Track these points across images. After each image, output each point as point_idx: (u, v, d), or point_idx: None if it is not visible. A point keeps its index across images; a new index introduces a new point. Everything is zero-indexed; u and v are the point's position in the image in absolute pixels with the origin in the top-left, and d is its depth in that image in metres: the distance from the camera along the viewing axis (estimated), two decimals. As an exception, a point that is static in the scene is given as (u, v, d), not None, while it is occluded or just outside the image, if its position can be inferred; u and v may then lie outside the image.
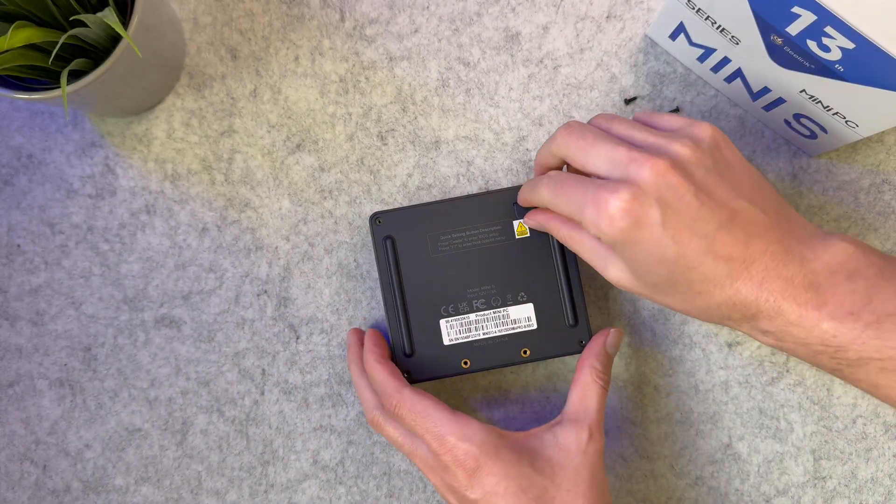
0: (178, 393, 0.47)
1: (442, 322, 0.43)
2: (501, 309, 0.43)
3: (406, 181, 0.47)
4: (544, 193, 0.38)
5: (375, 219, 0.43)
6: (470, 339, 0.43)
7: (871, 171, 0.47)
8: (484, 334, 0.43)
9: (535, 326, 0.43)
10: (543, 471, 0.38)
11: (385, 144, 0.48)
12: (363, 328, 0.47)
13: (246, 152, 0.48)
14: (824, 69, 0.38)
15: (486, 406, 0.47)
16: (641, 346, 0.47)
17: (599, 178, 0.35)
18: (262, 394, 0.47)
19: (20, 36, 0.35)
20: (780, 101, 0.43)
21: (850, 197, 0.47)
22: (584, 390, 0.40)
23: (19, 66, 0.39)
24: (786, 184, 0.47)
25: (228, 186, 0.47)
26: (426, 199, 0.47)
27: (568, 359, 0.47)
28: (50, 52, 0.38)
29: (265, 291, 0.47)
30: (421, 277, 0.43)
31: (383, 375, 0.41)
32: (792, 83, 0.41)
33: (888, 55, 0.34)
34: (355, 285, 0.47)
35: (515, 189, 0.43)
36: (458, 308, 0.43)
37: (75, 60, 0.38)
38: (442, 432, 0.38)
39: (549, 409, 0.47)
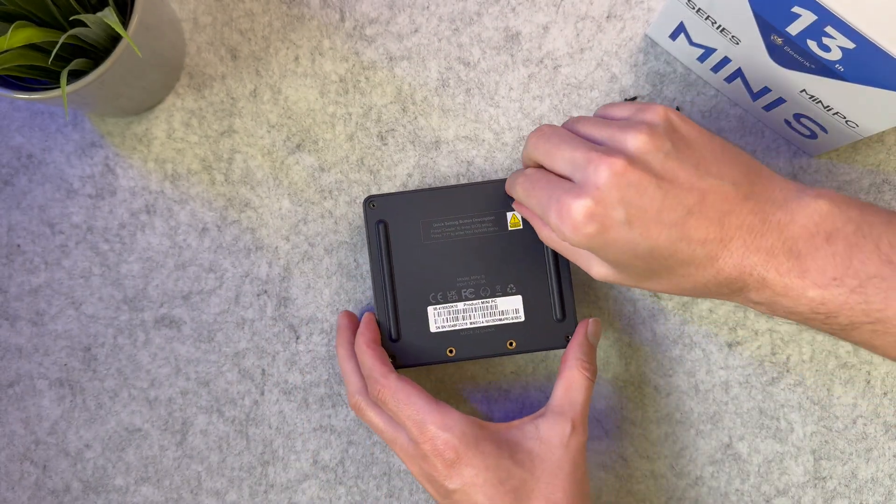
0: (178, 393, 0.47)
1: (430, 309, 0.43)
2: (490, 299, 0.43)
3: (406, 181, 0.47)
4: (519, 191, 0.38)
5: (369, 202, 0.43)
6: (457, 327, 0.43)
7: (872, 171, 0.47)
8: (471, 324, 0.43)
9: (522, 319, 0.43)
10: (523, 463, 0.38)
11: (385, 144, 0.48)
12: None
13: (246, 152, 0.48)
14: (824, 69, 0.38)
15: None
16: (641, 346, 0.47)
17: (567, 179, 0.35)
18: (262, 394, 0.47)
19: (20, 36, 0.35)
20: (780, 100, 0.43)
21: (851, 197, 0.47)
22: (570, 383, 0.40)
23: (19, 66, 0.39)
24: (786, 184, 0.47)
25: (228, 186, 0.47)
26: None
27: (558, 351, 0.47)
28: (50, 52, 0.38)
29: (265, 291, 0.47)
30: (411, 263, 0.43)
31: (372, 360, 0.41)
32: (792, 83, 0.41)
33: (888, 55, 0.34)
34: (355, 285, 0.47)
35: None
36: (446, 296, 0.43)
37: (75, 60, 0.38)
38: (423, 421, 0.38)
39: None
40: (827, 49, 0.36)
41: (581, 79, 0.47)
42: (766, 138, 0.47)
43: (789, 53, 0.38)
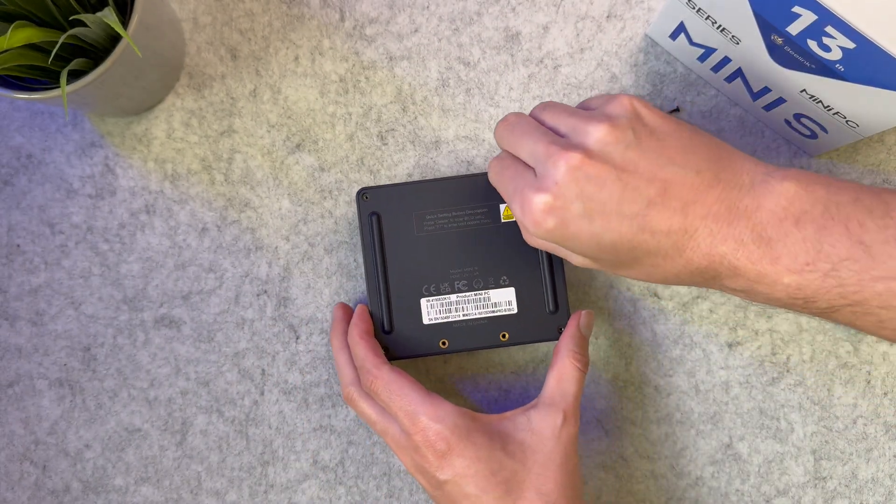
0: (178, 393, 0.47)
1: (423, 301, 0.43)
2: (483, 291, 0.43)
3: (406, 181, 0.47)
4: (491, 173, 0.38)
5: (362, 194, 0.43)
6: (449, 319, 0.43)
7: (872, 171, 0.47)
8: (464, 316, 0.43)
9: (515, 311, 0.43)
10: (514, 454, 0.38)
11: (385, 144, 0.48)
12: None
13: (246, 152, 0.48)
14: (825, 69, 0.38)
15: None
16: (641, 346, 0.47)
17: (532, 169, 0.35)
18: (262, 394, 0.47)
19: (20, 36, 0.35)
20: (780, 100, 0.43)
21: (851, 197, 0.47)
22: (562, 374, 0.40)
23: (19, 66, 0.39)
24: (786, 184, 0.47)
25: (228, 186, 0.47)
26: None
27: (551, 343, 0.47)
28: (50, 52, 0.38)
29: (265, 291, 0.47)
30: (404, 255, 0.43)
31: (364, 351, 0.41)
32: (792, 83, 0.41)
33: (889, 55, 0.34)
34: (355, 285, 0.47)
35: None
36: (439, 288, 0.43)
37: (75, 60, 0.38)
38: (415, 411, 0.38)
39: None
40: (827, 49, 0.36)
41: (581, 79, 0.47)
42: (766, 138, 0.47)
43: (789, 53, 0.38)
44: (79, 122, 0.48)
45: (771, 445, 0.46)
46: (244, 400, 0.47)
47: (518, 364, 0.47)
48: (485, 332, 0.43)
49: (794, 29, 0.36)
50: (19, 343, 0.47)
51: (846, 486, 0.46)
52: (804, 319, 0.47)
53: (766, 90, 0.43)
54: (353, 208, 0.47)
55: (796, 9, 0.35)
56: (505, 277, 0.43)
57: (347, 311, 0.45)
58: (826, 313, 0.34)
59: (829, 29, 0.35)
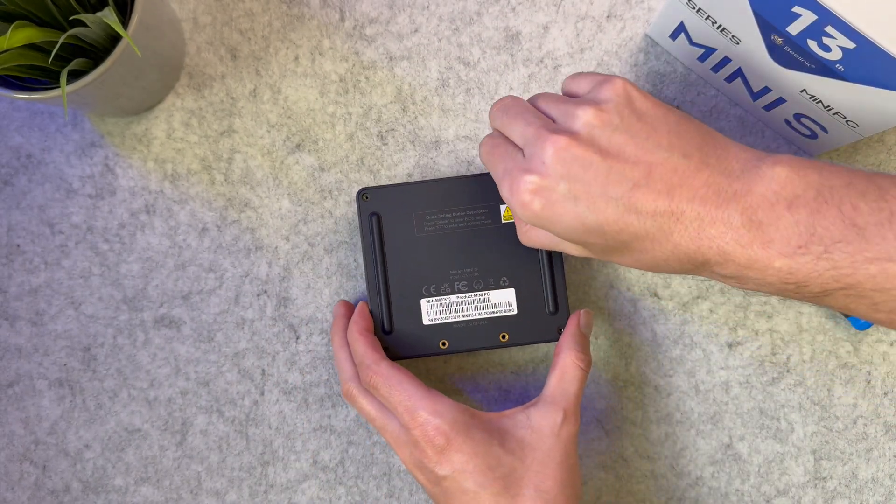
0: (178, 393, 0.47)
1: (423, 302, 0.43)
2: (483, 292, 0.43)
3: (406, 181, 0.47)
4: (482, 151, 0.38)
5: (362, 194, 0.43)
6: (449, 320, 0.43)
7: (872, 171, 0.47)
8: (464, 316, 0.43)
9: (515, 312, 0.43)
10: (514, 451, 0.38)
11: (385, 144, 0.48)
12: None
13: (246, 152, 0.48)
14: (825, 69, 0.38)
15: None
16: (641, 346, 0.47)
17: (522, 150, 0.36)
18: (262, 394, 0.47)
19: (20, 36, 0.35)
20: (780, 100, 0.43)
21: (851, 197, 0.47)
22: (563, 373, 0.40)
23: (19, 66, 0.39)
24: (786, 184, 0.47)
25: (228, 186, 0.47)
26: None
27: (551, 344, 0.47)
28: (50, 52, 0.38)
29: (265, 291, 0.47)
30: (404, 256, 0.43)
31: (364, 347, 0.41)
32: (792, 83, 0.41)
33: (889, 55, 0.34)
34: (355, 285, 0.47)
35: None
36: (439, 289, 0.43)
37: (75, 60, 0.38)
38: (414, 406, 0.38)
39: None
40: (827, 49, 0.36)
41: (581, 79, 0.47)
42: (766, 138, 0.47)
43: (789, 53, 0.38)
44: (79, 122, 0.48)
45: (771, 445, 0.46)
46: (244, 400, 0.47)
47: (518, 364, 0.47)
48: (485, 333, 0.43)
49: (794, 29, 0.36)
50: (19, 343, 0.47)
51: (846, 486, 0.46)
52: (804, 319, 0.47)
53: (766, 90, 0.43)
54: (353, 208, 0.47)
55: (796, 9, 0.35)
56: (505, 278, 0.43)
57: (349, 309, 0.45)
58: (819, 298, 0.33)
59: (829, 29, 0.35)
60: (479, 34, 0.48)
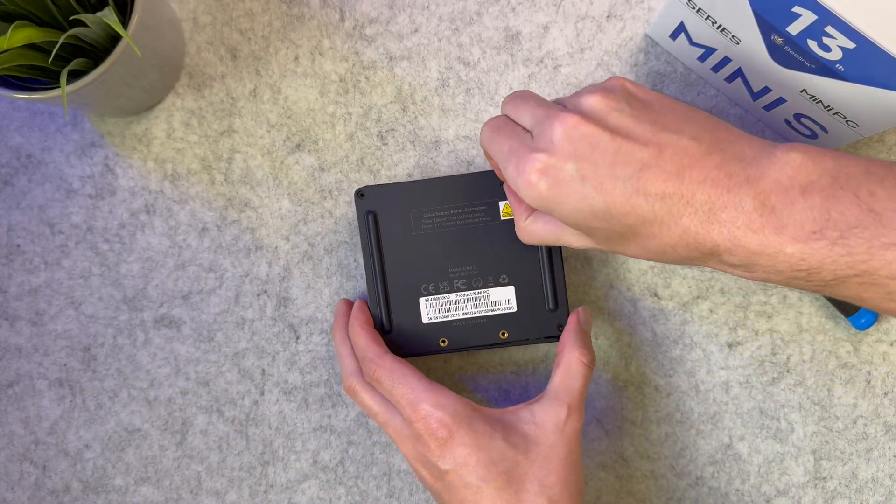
0: (178, 393, 0.47)
1: (422, 300, 0.43)
2: (482, 290, 0.43)
3: (404, 180, 0.47)
4: (485, 132, 0.38)
5: (359, 193, 0.43)
6: (449, 318, 0.43)
7: (872, 171, 0.47)
8: (463, 314, 0.43)
9: (514, 309, 0.43)
10: (518, 445, 0.38)
11: (385, 144, 0.48)
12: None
13: (246, 152, 0.48)
14: (825, 69, 0.38)
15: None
16: (641, 346, 0.47)
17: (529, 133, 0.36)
18: (262, 394, 0.47)
19: (20, 36, 0.35)
20: (780, 100, 0.43)
21: (851, 197, 0.47)
22: (567, 369, 0.40)
23: (19, 66, 0.39)
24: (786, 184, 0.47)
25: (228, 186, 0.47)
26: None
27: (551, 343, 0.47)
28: (50, 52, 0.38)
29: (265, 291, 0.47)
30: (402, 254, 0.43)
31: (366, 341, 0.41)
32: (792, 83, 0.41)
33: (889, 55, 0.34)
34: (355, 285, 0.47)
35: None
36: (438, 287, 0.43)
37: (75, 60, 0.38)
38: (417, 399, 0.38)
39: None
40: (827, 49, 0.36)
41: (581, 79, 0.47)
42: (766, 138, 0.47)
43: (789, 53, 0.38)
44: (79, 122, 0.48)
45: (771, 445, 0.46)
46: (244, 400, 0.47)
47: (518, 364, 0.47)
48: (484, 331, 0.43)
49: (794, 29, 0.36)
50: (19, 343, 0.47)
51: (846, 486, 0.46)
52: (804, 319, 0.47)
53: (766, 90, 0.43)
54: (354, 208, 0.47)
55: (796, 9, 0.35)
56: (504, 276, 0.43)
57: (351, 307, 0.45)
58: (830, 286, 0.32)
59: (829, 29, 0.35)
60: (479, 34, 0.48)
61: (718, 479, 0.46)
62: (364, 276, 0.47)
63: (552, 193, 0.33)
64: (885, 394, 0.46)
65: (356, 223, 0.47)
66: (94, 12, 0.39)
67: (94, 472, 0.47)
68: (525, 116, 0.36)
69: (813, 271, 0.31)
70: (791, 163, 0.32)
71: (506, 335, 0.43)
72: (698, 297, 0.47)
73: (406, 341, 0.43)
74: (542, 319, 0.43)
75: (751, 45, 0.40)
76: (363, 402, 0.41)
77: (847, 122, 0.41)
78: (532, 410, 0.39)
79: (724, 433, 0.47)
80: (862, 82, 0.37)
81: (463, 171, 0.47)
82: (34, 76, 0.40)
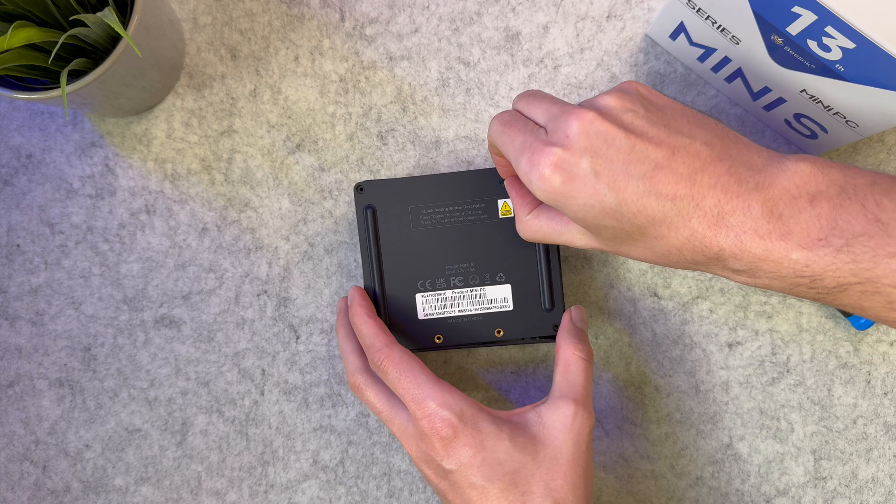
0: (178, 393, 0.47)
1: (418, 296, 0.43)
2: (479, 288, 0.43)
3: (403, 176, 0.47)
4: (494, 126, 0.38)
5: (359, 187, 0.43)
6: (445, 315, 0.43)
7: (872, 171, 0.47)
8: (459, 311, 0.43)
9: (510, 308, 0.43)
10: (524, 447, 0.37)
11: (385, 144, 0.48)
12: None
13: (246, 152, 0.48)
14: (825, 69, 0.38)
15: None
16: (641, 346, 0.47)
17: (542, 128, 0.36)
18: (262, 394, 0.47)
19: (20, 36, 0.35)
20: (780, 100, 0.43)
21: (851, 197, 0.47)
22: (567, 367, 0.40)
23: (19, 66, 0.39)
24: (786, 184, 0.47)
25: (228, 186, 0.47)
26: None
27: (550, 343, 0.47)
28: (50, 52, 0.38)
29: (265, 291, 0.47)
30: (400, 250, 0.43)
31: (374, 330, 0.40)
32: (792, 83, 0.41)
33: (889, 55, 0.34)
34: (355, 285, 0.47)
35: None
36: (435, 284, 0.43)
37: (75, 60, 0.38)
38: (423, 396, 0.37)
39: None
40: (827, 49, 0.36)
41: (581, 79, 0.47)
42: (766, 138, 0.47)
43: (789, 53, 0.38)
44: (79, 122, 0.48)
45: (771, 445, 0.46)
46: (244, 400, 0.47)
47: (518, 364, 0.47)
48: (480, 329, 0.43)
49: (794, 29, 0.36)
50: (19, 343, 0.47)
51: (846, 486, 0.46)
52: (804, 319, 0.47)
53: (766, 90, 0.43)
54: (353, 208, 0.47)
55: (796, 9, 0.35)
56: (501, 274, 0.43)
57: None
58: (832, 293, 0.33)
59: (829, 29, 0.35)
60: (479, 34, 0.48)
61: (718, 479, 0.46)
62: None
63: (565, 188, 0.33)
64: (885, 394, 0.46)
65: (356, 223, 0.47)
66: (94, 12, 0.39)
67: (94, 472, 0.47)
68: (538, 112, 0.36)
69: (816, 278, 0.32)
70: (800, 172, 0.32)
71: (501, 333, 0.43)
72: (698, 297, 0.47)
73: (401, 337, 0.43)
74: (537, 319, 0.43)
75: (751, 45, 0.40)
76: (367, 400, 0.40)
77: (847, 122, 0.41)
78: (538, 412, 0.39)
79: (724, 433, 0.47)
80: (862, 82, 0.37)
81: (462, 170, 0.47)
82: (34, 76, 0.40)
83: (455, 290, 0.43)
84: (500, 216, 0.43)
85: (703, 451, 0.47)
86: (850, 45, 0.35)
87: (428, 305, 0.43)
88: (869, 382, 0.46)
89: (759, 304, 0.47)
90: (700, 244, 0.33)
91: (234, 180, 0.47)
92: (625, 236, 0.34)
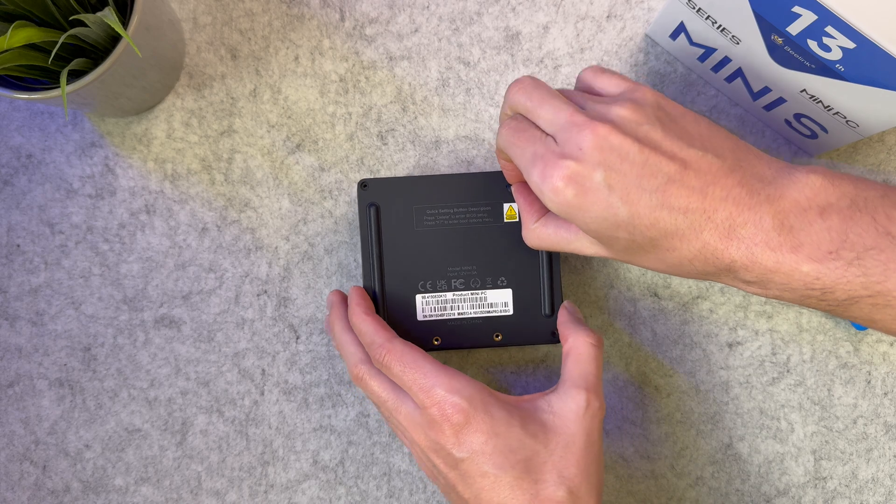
0: (178, 393, 0.47)
1: (418, 297, 0.43)
2: (480, 291, 0.43)
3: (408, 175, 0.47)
4: (503, 134, 0.37)
5: (363, 184, 0.43)
6: (444, 317, 0.43)
7: (872, 171, 0.47)
8: (459, 314, 0.43)
9: (510, 312, 0.43)
10: (536, 434, 0.37)
11: (385, 144, 0.48)
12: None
13: (246, 152, 0.48)
14: (825, 69, 0.38)
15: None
16: (641, 346, 0.47)
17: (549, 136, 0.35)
18: (262, 394, 0.47)
19: (20, 36, 0.35)
20: (780, 100, 0.43)
21: (851, 197, 0.47)
22: (577, 355, 0.39)
23: (19, 66, 0.39)
24: (786, 184, 0.47)
25: (228, 186, 0.47)
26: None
27: (551, 345, 0.47)
28: (50, 52, 0.38)
29: (265, 291, 0.47)
30: (402, 249, 0.43)
31: (373, 327, 0.40)
32: (792, 83, 0.41)
33: (889, 55, 0.34)
34: (355, 285, 0.47)
35: None
36: (435, 285, 0.43)
37: (75, 60, 0.38)
38: (430, 384, 0.37)
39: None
40: (827, 49, 0.36)
41: (581, 79, 0.47)
42: (766, 138, 0.47)
43: (789, 53, 0.38)
44: (79, 122, 0.48)
45: (771, 445, 0.46)
46: (244, 400, 0.47)
47: (518, 364, 0.47)
48: (479, 332, 0.43)
49: (794, 29, 0.36)
50: (19, 343, 0.47)
51: (846, 486, 0.46)
52: (804, 319, 0.47)
53: (766, 90, 0.43)
54: (354, 208, 0.47)
55: (796, 9, 0.35)
56: (503, 278, 0.43)
57: (344, 297, 0.44)
58: (843, 306, 0.33)
59: (829, 29, 0.35)
60: (479, 34, 0.48)
61: (718, 479, 0.46)
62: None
63: (578, 201, 0.33)
64: (885, 394, 0.46)
65: (356, 223, 0.47)
66: (94, 12, 0.39)
67: (94, 472, 0.47)
68: (543, 119, 0.35)
69: (827, 290, 0.32)
70: (811, 184, 0.33)
71: (500, 338, 0.43)
72: (698, 297, 0.47)
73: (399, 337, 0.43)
74: (537, 324, 0.43)
75: (751, 45, 0.40)
76: (371, 391, 0.39)
77: (847, 122, 0.41)
78: (549, 401, 0.38)
79: (724, 433, 0.47)
80: (862, 82, 0.37)
81: (463, 171, 0.47)
82: (34, 76, 0.40)
83: (456, 293, 0.43)
84: (505, 220, 0.43)
85: (704, 451, 0.47)
86: (851, 44, 0.35)
87: (428, 307, 0.43)
88: (869, 382, 0.46)
89: (759, 304, 0.47)
90: (711, 256, 0.33)
91: (234, 180, 0.47)
92: (636, 248, 0.35)
